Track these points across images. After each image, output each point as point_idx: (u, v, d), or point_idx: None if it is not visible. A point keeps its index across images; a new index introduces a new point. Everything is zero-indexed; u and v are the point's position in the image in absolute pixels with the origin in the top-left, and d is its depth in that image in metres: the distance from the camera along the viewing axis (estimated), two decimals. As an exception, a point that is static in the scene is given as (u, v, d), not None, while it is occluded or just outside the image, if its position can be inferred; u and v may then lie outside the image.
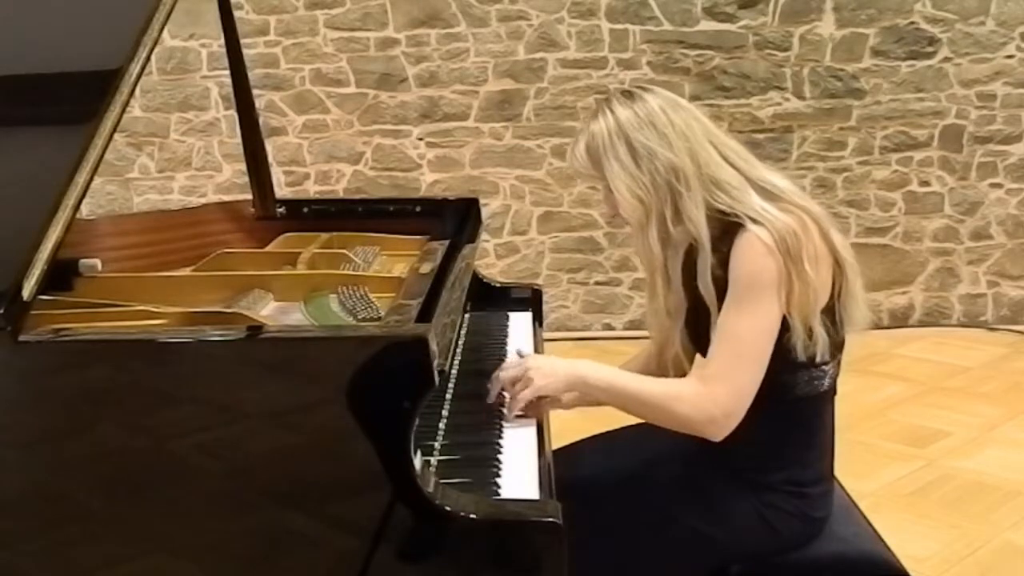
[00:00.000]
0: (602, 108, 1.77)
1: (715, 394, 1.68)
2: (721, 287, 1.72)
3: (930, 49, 4.75)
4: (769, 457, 1.80)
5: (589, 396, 1.86)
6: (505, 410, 1.84)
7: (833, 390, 1.83)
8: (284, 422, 1.42)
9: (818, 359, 1.72)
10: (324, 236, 2.46)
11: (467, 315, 2.36)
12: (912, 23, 4.73)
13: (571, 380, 1.80)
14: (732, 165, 1.74)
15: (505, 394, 1.85)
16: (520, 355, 1.95)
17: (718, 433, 1.71)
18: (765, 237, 1.66)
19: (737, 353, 1.69)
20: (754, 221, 1.68)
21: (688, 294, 1.80)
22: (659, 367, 1.91)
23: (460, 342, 2.18)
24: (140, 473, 1.43)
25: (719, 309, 1.72)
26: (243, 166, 2.61)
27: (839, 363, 1.82)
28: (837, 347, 1.79)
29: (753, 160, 1.79)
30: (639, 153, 1.72)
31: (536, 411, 1.84)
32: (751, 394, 1.69)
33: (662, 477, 1.86)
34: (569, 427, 2.16)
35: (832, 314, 1.74)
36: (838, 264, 1.74)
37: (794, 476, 1.80)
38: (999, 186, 4.89)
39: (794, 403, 1.77)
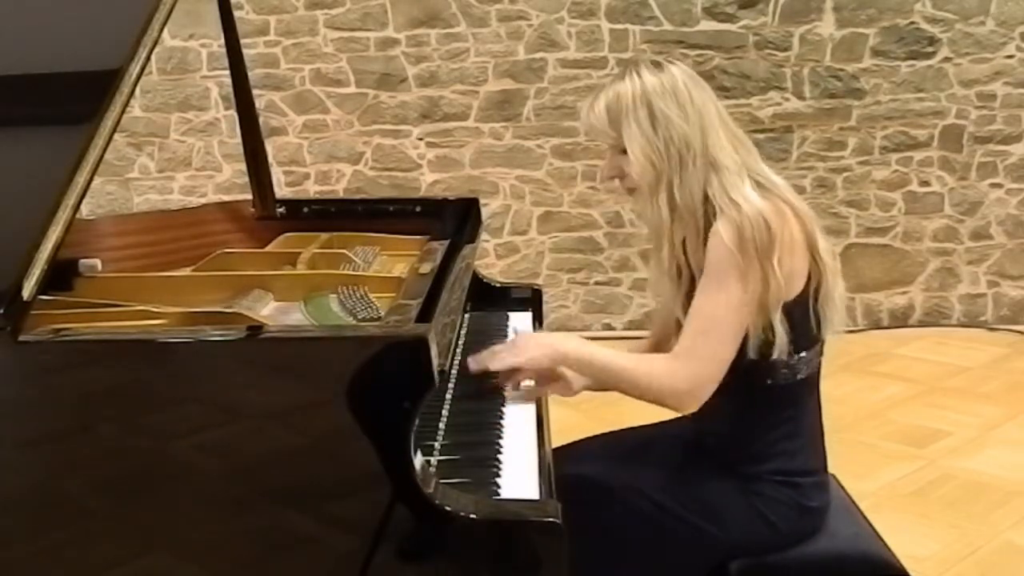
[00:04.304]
0: (629, 71, 1.80)
1: (683, 368, 1.74)
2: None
3: (930, 49, 4.75)
4: (754, 448, 1.83)
5: (583, 373, 1.92)
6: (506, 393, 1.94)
7: (815, 380, 1.86)
8: (284, 422, 1.42)
9: (774, 356, 1.75)
10: (324, 236, 2.46)
11: (467, 315, 2.36)
12: (912, 23, 4.73)
13: (554, 357, 1.87)
14: (735, 151, 1.79)
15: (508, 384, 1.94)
16: (516, 332, 2.15)
17: (685, 405, 1.77)
18: (731, 227, 1.70)
19: (703, 330, 1.74)
20: (726, 210, 1.72)
21: (689, 269, 1.84)
22: (665, 339, 1.96)
23: (460, 342, 2.18)
24: (140, 473, 1.43)
25: None
26: (243, 166, 2.61)
27: (820, 352, 1.85)
28: (815, 339, 1.81)
29: (755, 152, 1.84)
30: (658, 119, 1.76)
31: (540, 390, 1.96)
32: (720, 369, 1.74)
33: (659, 475, 1.87)
34: (569, 427, 2.16)
35: (805, 307, 1.77)
36: (816, 264, 1.77)
37: (782, 466, 1.83)
38: (999, 186, 4.89)
39: (773, 392, 1.80)
